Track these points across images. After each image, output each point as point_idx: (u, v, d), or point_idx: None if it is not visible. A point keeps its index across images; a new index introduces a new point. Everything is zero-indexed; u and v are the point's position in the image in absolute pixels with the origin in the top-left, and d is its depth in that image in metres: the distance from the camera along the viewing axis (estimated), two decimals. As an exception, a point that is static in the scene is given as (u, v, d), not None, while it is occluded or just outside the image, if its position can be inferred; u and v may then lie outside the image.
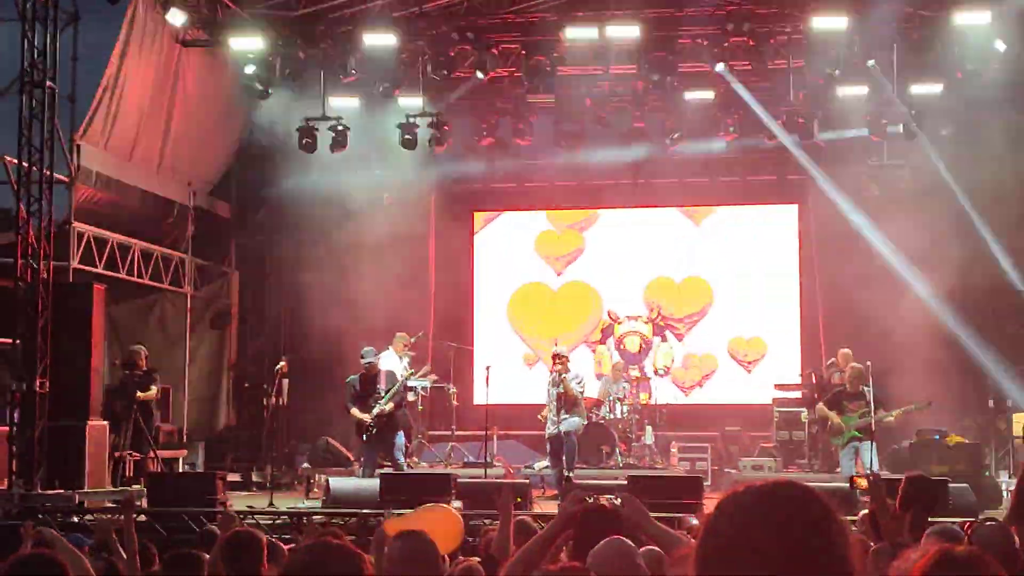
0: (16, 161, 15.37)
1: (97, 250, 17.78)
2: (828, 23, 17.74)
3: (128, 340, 18.58)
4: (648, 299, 22.13)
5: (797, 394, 19.34)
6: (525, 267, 22.90)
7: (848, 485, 13.71)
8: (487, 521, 11.52)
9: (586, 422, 16.96)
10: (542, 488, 16.60)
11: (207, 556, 6.59)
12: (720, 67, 18.45)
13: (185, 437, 19.34)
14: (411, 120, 19.44)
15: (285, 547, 7.37)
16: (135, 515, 8.04)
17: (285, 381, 17.47)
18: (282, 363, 17.23)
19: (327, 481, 15.45)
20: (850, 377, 15.87)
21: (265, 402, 18.32)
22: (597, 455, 17.94)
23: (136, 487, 15.18)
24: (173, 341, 20.27)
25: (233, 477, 17.66)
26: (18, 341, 15.04)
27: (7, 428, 15.16)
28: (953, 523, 7.26)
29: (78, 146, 16.78)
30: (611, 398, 18.68)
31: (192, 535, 10.89)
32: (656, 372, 21.00)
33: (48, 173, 15.45)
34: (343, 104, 19.80)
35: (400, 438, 16.54)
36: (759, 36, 18.18)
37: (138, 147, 18.46)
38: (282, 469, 18.70)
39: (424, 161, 20.83)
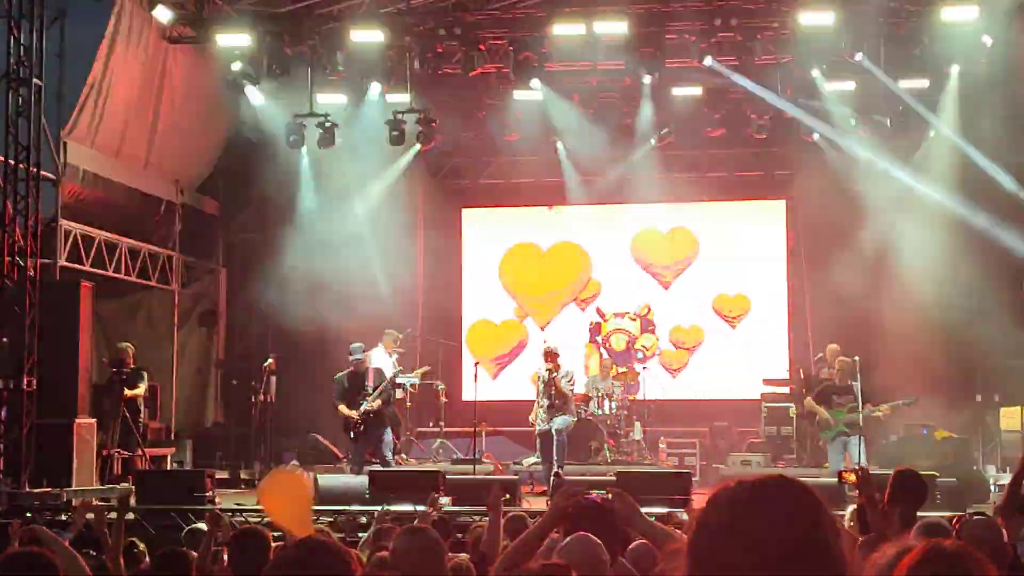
0: (3, 159, 15.33)
1: (84, 248, 17.74)
2: (815, 18, 17.75)
3: (116, 338, 18.52)
4: (636, 254, 22.23)
5: (785, 389, 19.36)
6: (513, 263, 22.90)
7: (836, 480, 13.73)
8: (476, 517, 11.52)
9: (575, 419, 16.95)
10: (531, 484, 16.60)
11: (195, 554, 6.58)
12: (708, 60, 18.44)
13: (173, 434, 19.30)
14: (398, 116, 19.40)
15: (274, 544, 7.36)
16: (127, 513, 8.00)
17: (273, 378, 17.48)
18: (270, 360, 17.24)
19: (315, 478, 15.43)
20: (838, 371, 15.89)
21: (253, 399, 18.32)
22: (586, 451, 17.95)
23: (125, 485, 15.14)
24: (161, 338, 20.23)
25: (221, 474, 17.63)
26: (5, 339, 14.99)
27: (-6, 426, 15.12)
28: (941, 518, 7.26)
29: (65, 143, 16.74)
30: (599, 394, 18.69)
31: (180, 532, 10.86)
32: (637, 355, 20.95)
33: (35, 171, 15.41)
34: (330, 100, 19.77)
35: (388, 435, 16.51)
36: (746, 31, 18.18)
37: (125, 144, 18.41)
38: (270, 466, 18.66)
39: (412, 158, 20.82)
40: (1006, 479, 15.46)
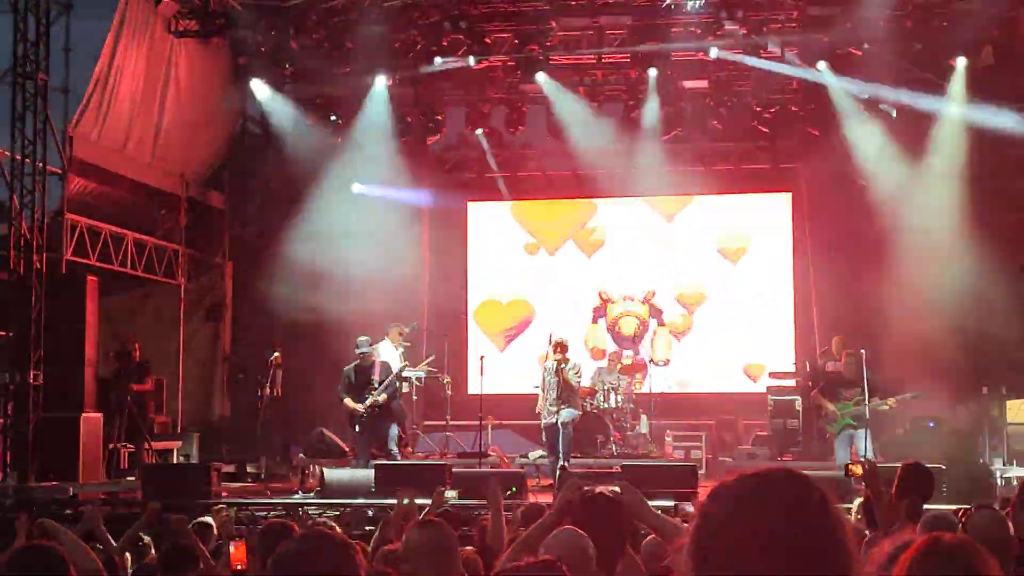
0: (9, 153, 15.34)
1: (90, 242, 17.74)
2: (822, 10, 17.73)
3: (122, 332, 18.54)
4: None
5: (791, 382, 19.33)
6: (518, 257, 22.85)
7: (843, 473, 13.69)
8: (482, 511, 11.52)
9: (581, 413, 16.95)
10: (537, 478, 16.60)
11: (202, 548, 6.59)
12: (714, 51, 18.40)
13: (179, 428, 19.34)
14: (404, 110, 19.41)
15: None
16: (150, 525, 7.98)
17: (279, 372, 17.46)
18: (276, 354, 17.22)
19: (321, 472, 15.43)
20: (845, 364, 15.87)
21: (259, 393, 18.30)
22: (592, 445, 17.93)
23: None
24: (167, 332, 20.24)
25: (228, 468, 17.65)
26: (11, 333, 15.02)
27: (1, 420, 15.15)
28: (947, 510, 7.25)
29: (71, 137, 16.73)
30: (605, 387, 18.68)
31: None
32: (654, 362, 20.91)
33: (41, 165, 15.43)
34: (336, 93, 19.77)
35: (394, 428, 16.53)
36: (752, 24, 18.16)
37: (131, 138, 18.41)
38: (276, 460, 18.68)
39: (417, 151, 20.81)
40: (1012, 472, 15.51)
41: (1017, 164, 18.89)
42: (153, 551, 8.03)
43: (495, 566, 5.32)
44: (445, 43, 18.93)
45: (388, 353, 17.88)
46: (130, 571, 7.64)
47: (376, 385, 16.28)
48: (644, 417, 19.03)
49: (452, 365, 20.32)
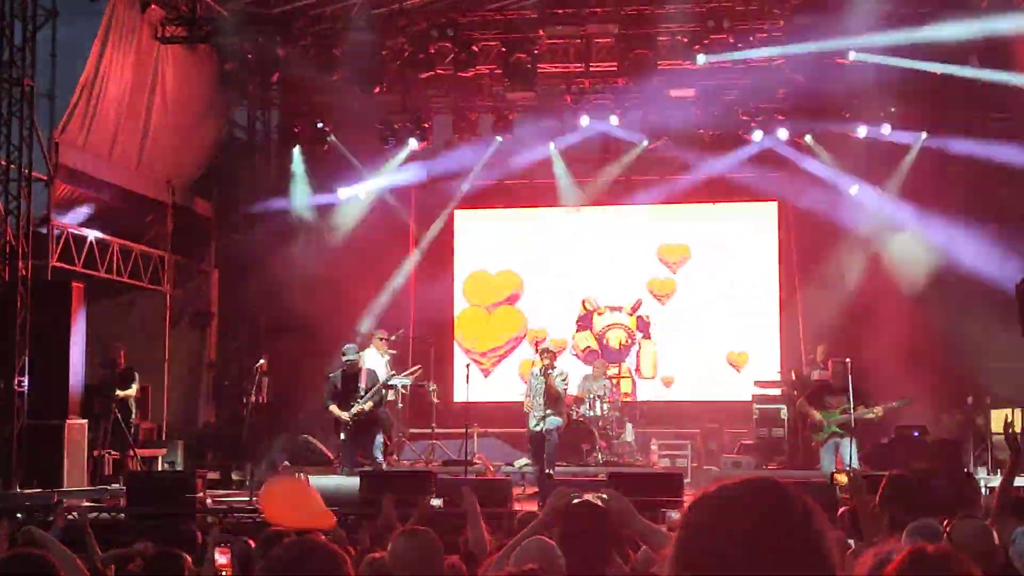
0: (-6, 159, 15.32)
1: (76, 248, 17.70)
2: (808, 19, 17.76)
3: (107, 338, 18.48)
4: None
5: (777, 391, 19.37)
6: (505, 264, 22.84)
7: (828, 482, 13.72)
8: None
9: (565, 421, 16.94)
10: (523, 486, 16.58)
11: (188, 557, 6.57)
12: (701, 59, 18.42)
13: (164, 435, 19.28)
14: (391, 117, 19.41)
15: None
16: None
17: (265, 379, 17.45)
18: (261, 361, 17.20)
19: (307, 479, 15.38)
20: (833, 372, 15.86)
21: (245, 400, 18.27)
22: (578, 453, 17.93)
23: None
24: (152, 339, 20.17)
25: (213, 475, 17.60)
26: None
27: (-15, 426, 15.10)
28: (932, 520, 7.26)
29: (56, 144, 16.70)
30: (591, 396, 18.68)
31: (171, 533, 10.83)
32: (642, 376, 20.92)
33: (26, 171, 15.39)
34: (322, 101, 19.76)
35: (379, 436, 16.53)
36: (739, 33, 18.19)
37: (117, 145, 18.38)
38: (262, 467, 18.63)
39: (404, 158, 20.81)
40: (997, 481, 15.52)
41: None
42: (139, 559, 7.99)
43: (478, 573, 5.32)
44: (432, 51, 18.92)
45: (374, 361, 17.86)
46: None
47: (362, 393, 16.28)
48: (630, 426, 19.05)
49: (438, 373, 20.31)
